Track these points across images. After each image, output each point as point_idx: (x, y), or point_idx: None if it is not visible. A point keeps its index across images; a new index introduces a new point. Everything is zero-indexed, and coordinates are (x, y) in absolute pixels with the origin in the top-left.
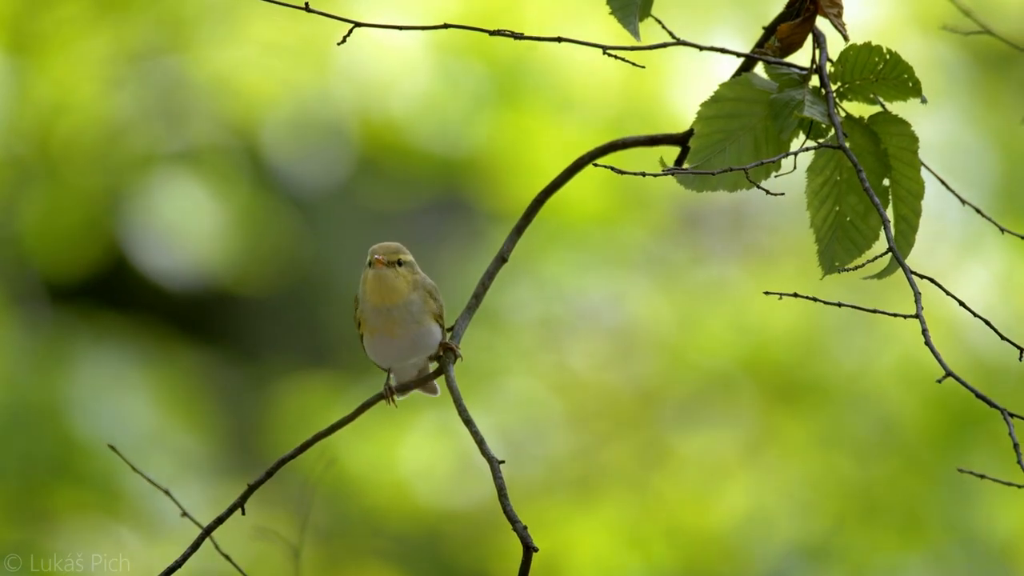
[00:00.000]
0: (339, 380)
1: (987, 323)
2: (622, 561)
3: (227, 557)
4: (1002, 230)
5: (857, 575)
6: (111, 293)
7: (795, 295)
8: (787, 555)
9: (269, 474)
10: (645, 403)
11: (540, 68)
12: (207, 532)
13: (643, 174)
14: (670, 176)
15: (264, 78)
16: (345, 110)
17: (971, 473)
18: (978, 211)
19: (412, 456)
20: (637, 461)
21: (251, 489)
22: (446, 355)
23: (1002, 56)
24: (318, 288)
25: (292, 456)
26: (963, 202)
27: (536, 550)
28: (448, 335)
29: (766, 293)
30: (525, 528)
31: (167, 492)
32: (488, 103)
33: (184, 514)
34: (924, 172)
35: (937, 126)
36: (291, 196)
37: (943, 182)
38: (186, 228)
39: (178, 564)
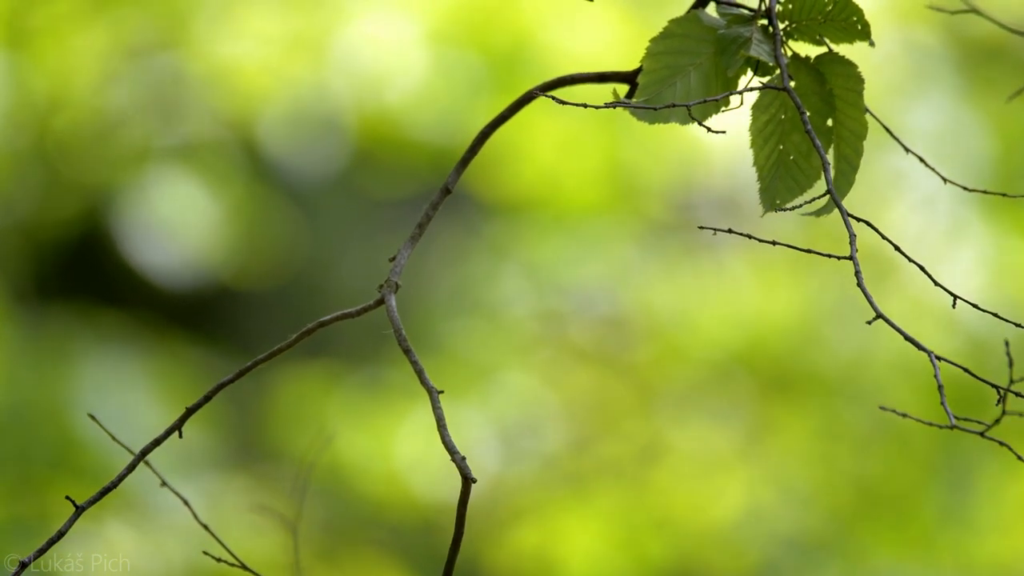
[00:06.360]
0: (336, 369)
1: (925, 272)
2: (617, 555)
3: (205, 527)
4: (945, 181)
5: (854, 568)
6: (105, 287)
7: (729, 231)
8: (784, 548)
9: (207, 398)
10: (641, 396)
11: (537, 59)
12: (141, 456)
13: (585, 105)
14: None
15: (260, 72)
16: (341, 103)
17: (893, 412)
18: (923, 162)
19: (407, 447)
20: (633, 455)
21: (189, 412)
22: (386, 285)
23: (992, 45)
24: (315, 279)
25: (231, 380)
26: (921, 162)
27: (475, 481)
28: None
29: (700, 228)
30: (464, 459)
31: (148, 464)
32: (484, 94)
33: (164, 484)
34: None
35: (929, 111)
36: (287, 189)
37: (894, 135)
38: (182, 222)
39: (113, 485)
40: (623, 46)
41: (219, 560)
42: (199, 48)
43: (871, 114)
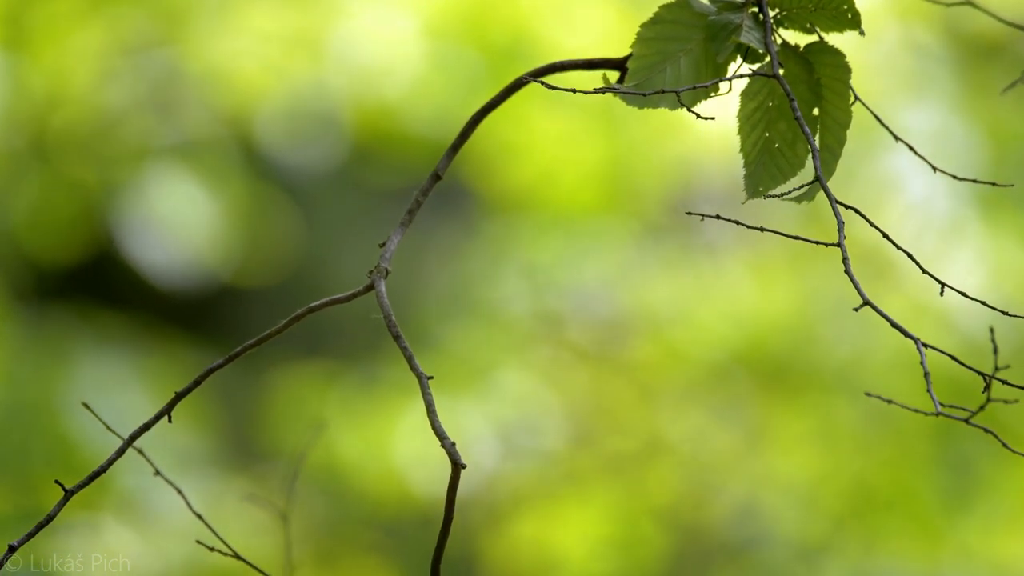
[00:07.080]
0: (334, 368)
1: (913, 259)
2: (615, 552)
3: (199, 516)
4: (934, 169)
5: (854, 564)
6: (104, 286)
7: (717, 217)
8: (783, 544)
9: (197, 383)
10: (640, 394)
11: (533, 54)
12: (130, 441)
13: (573, 91)
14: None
15: (258, 69)
16: (339, 98)
17: (879, 398)
18: (912, 151)
19: (403, 444)
20: (632, 452)
21: (178, 397)
22: (376, 271)
23: (989, 42)
24: (314, 275)
25: (220, 366)
26: (911, 150)
27: (464, 466)
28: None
29: (688, 213)
30: (453, 444)
31: (140, 451)
32: (481, 88)
33: (157, 472)
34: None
35: (925, 111)
36: (286, 185)
37: (884, 124)
38: (181, 220)
39: (102, 470)
40: (620, 41)
41: (212, 549)
42: (197, 45)
43: (865, 106)
